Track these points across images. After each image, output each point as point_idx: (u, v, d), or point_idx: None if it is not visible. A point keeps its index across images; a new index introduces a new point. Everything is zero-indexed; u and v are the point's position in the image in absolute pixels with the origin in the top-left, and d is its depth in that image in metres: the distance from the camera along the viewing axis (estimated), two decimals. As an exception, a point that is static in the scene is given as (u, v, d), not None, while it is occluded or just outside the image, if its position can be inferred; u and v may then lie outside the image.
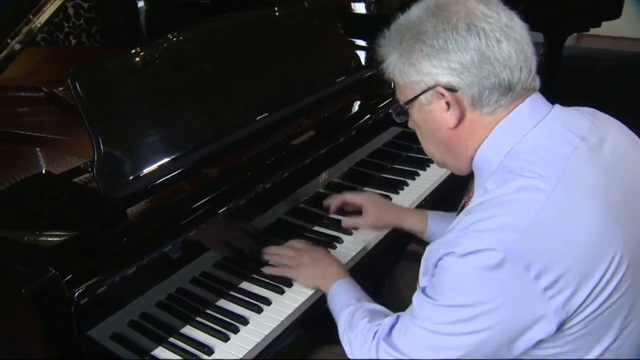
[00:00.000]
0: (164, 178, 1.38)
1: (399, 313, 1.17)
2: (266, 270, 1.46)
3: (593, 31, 3.72)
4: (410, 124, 1.19)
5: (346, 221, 1.64)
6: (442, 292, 1.03)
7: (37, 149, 1.66)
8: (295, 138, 1.62)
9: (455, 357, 1.03)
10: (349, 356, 1.23)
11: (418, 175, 1.94)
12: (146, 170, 1.37)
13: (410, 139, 2.06)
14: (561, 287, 0.96)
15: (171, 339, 1.29)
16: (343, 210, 1.68)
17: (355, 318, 1.24)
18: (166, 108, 1.47)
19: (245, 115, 1.61)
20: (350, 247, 1.56)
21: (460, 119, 1.07)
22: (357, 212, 1.64)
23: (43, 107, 1.94)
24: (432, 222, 1.55)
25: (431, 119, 1.11)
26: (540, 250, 0.95)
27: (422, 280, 1.10)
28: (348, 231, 1.64)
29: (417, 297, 1.10)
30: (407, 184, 1.89)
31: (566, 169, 1.00)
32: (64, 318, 1.09)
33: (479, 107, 1.06)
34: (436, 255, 1.03)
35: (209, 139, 1.50)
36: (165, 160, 1.40)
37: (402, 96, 1.14)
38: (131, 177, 1.35)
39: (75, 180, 1.41)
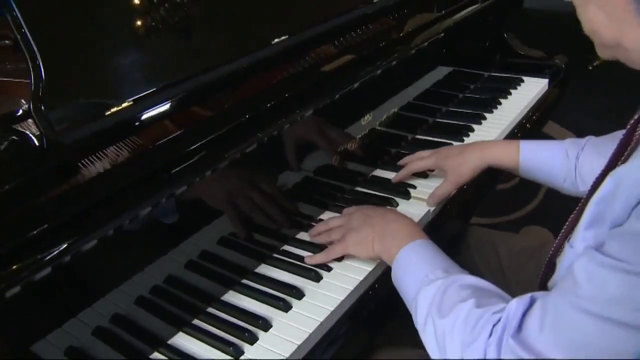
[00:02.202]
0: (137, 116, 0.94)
1: (533, 293, 0.74)
2: (308, 260, 1.04)
3: None
4: None
5: (433, 199, 1.19)
6: None
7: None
8: (323, 66, 1.19)
9: None
10: (437, 357, 0.80)
11: (484, 118, 1.50)
12: (115, 108, 0.93)
13: (465, 77, 1.65)
14: None
15: (156, 355, 0.88)
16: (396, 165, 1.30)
17: (447, 298, 0.81)
18: (144, 20, 1.02)
19: (255, 38, 1.16)
20: (408, 211, 1.12)
21: None
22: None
23: None
24: (527, 153, 1.17)
25: None
26: None
27: (584, 236, 0.70)
28: (402, 190, 1.21)
29: (582, 263, 0.68)
30: (472, 129, 1.45)
31: None
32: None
33: None
34: None
35: (205, 66, 1.05)
36: (142, 93, 0.96)
37: None
38: (89, 116, 0.91)
39: (16, 126, 0.98)
